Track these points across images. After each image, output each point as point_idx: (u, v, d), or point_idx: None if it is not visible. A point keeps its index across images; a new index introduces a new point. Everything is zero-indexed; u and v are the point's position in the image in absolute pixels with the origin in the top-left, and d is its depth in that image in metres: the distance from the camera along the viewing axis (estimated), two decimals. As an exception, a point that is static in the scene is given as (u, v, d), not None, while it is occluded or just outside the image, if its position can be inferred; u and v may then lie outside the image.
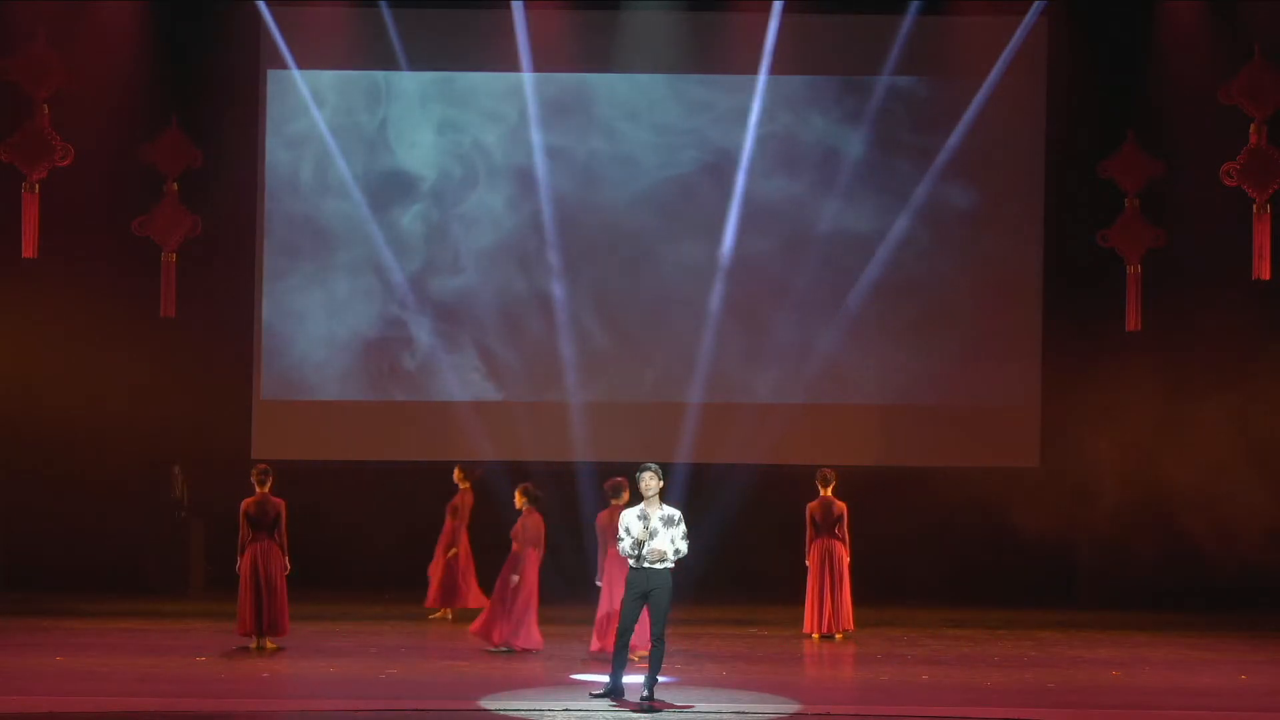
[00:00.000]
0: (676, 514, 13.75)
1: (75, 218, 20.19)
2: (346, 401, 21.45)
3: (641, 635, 14.82)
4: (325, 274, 21.48)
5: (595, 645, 16.16)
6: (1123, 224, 20.41)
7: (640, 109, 21.44)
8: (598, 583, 16.45)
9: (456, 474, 19.17)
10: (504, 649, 16.49)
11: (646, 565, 13.68)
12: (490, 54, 21.24)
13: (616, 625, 15.16)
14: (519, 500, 16.66)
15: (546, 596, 20.07)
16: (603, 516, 16.48)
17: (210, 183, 20.83)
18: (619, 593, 15.38)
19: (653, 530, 13.66)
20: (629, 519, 13.72)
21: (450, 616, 18.98)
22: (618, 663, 13.80)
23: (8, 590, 20.18)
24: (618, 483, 16.34)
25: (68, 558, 20.80)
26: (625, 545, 13.73)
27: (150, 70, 20.69)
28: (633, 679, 14.14)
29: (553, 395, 21.39)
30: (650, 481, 13.72)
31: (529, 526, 16.56)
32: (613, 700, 13.66)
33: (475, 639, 16.70)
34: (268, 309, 21.50)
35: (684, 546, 13.74)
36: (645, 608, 13.87)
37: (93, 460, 21.06)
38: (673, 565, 13.80)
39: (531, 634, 16.57)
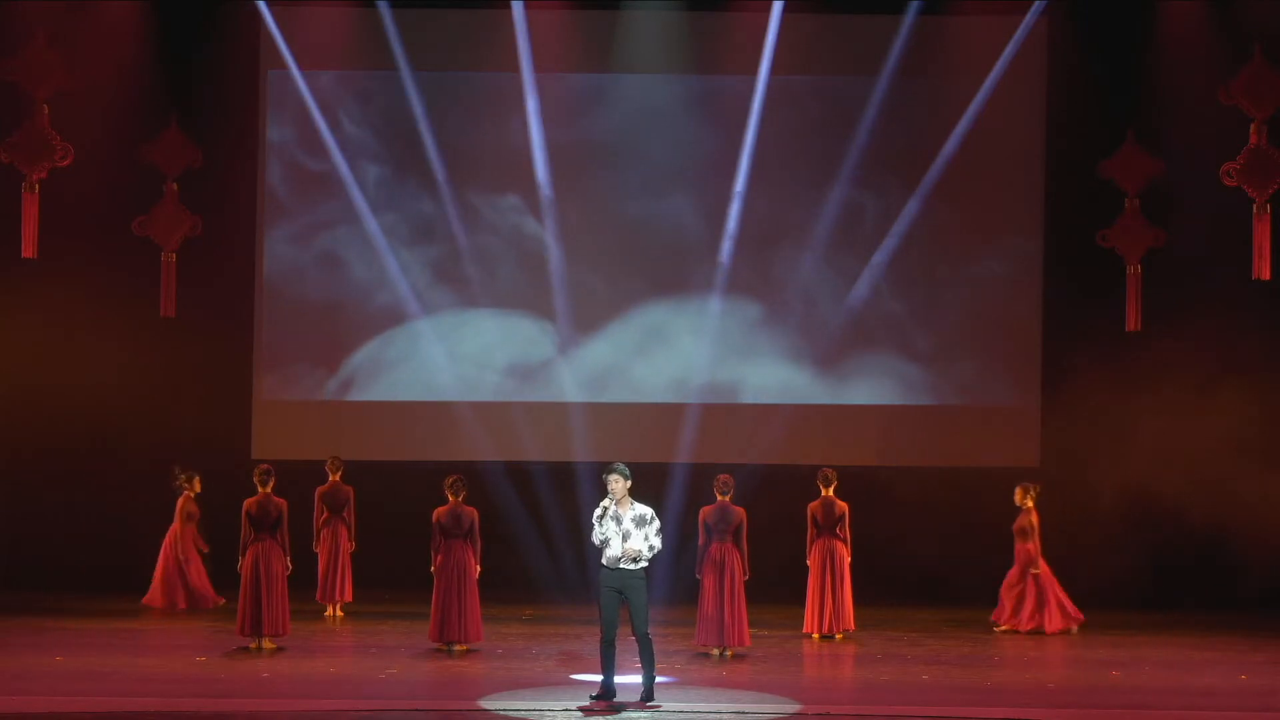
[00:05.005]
0: (649, 513, 13.86)
1: (75, 218, 20.19)
2: (346, 401, 21.45)
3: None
4: (326, 274, 21.47)
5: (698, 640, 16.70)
6: (1123, 224, 20.41)
7: (640, 109, 21.41)
8: (697, 575, 16.78)
9: (329, 464, 19.35)
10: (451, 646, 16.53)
11: (620, 566, 13.73)
12: (490, 54, 21.24)
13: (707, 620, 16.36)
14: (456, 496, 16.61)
15: (548, 598, 20.19)
16: (707, 511, 16.82)
17: (210, 183, 20.83)
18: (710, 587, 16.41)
19: (625, 531, 13.74)
20: (605, 522, 13.78)
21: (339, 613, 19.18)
22: (606, 664, 13.79)
23: (8, 590, 20.17)
24: (725, 480, 16.75)
25: (68, 557, 20.81)
26: (596, 542, 13.87)
27: (150, 70, 20.68)
28: (625, 679, 14.13)
29: (553, 395, 21.40)
30: (616, 483, 13.80)
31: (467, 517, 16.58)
32: (607, 701, 13.65)
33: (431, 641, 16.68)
34: (268, 309, 21.51)
35: (658, 543, 13.87)
36: (624, 606, 13.87)
37: (92, 460, 21.06)
38: (647, 563, 13.84)
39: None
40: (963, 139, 21.05)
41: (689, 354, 21.37)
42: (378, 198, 21.40)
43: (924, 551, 20.69)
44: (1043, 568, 18.66)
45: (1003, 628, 18.67)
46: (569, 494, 20.65)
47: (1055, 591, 18.71)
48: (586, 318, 21.42)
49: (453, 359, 21.41)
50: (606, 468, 13.96)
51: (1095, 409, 20.41)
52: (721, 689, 14.63)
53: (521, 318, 21.51)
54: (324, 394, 21.45)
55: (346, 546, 19.24)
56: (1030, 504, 18.70)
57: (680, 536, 18.52)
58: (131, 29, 20.57)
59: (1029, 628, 18.58)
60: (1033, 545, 18.66)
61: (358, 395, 21.45)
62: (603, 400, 21.37)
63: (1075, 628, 18.61)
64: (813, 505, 17.87)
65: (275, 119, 21.49)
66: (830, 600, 17.76)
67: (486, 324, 21.47)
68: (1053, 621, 18.59)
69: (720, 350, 21.34)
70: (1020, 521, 18.69)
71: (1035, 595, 18.66)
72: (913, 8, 20.93)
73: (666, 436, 21.03)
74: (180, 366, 21.03)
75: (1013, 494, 18.88)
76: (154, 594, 19.67)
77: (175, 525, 19.78)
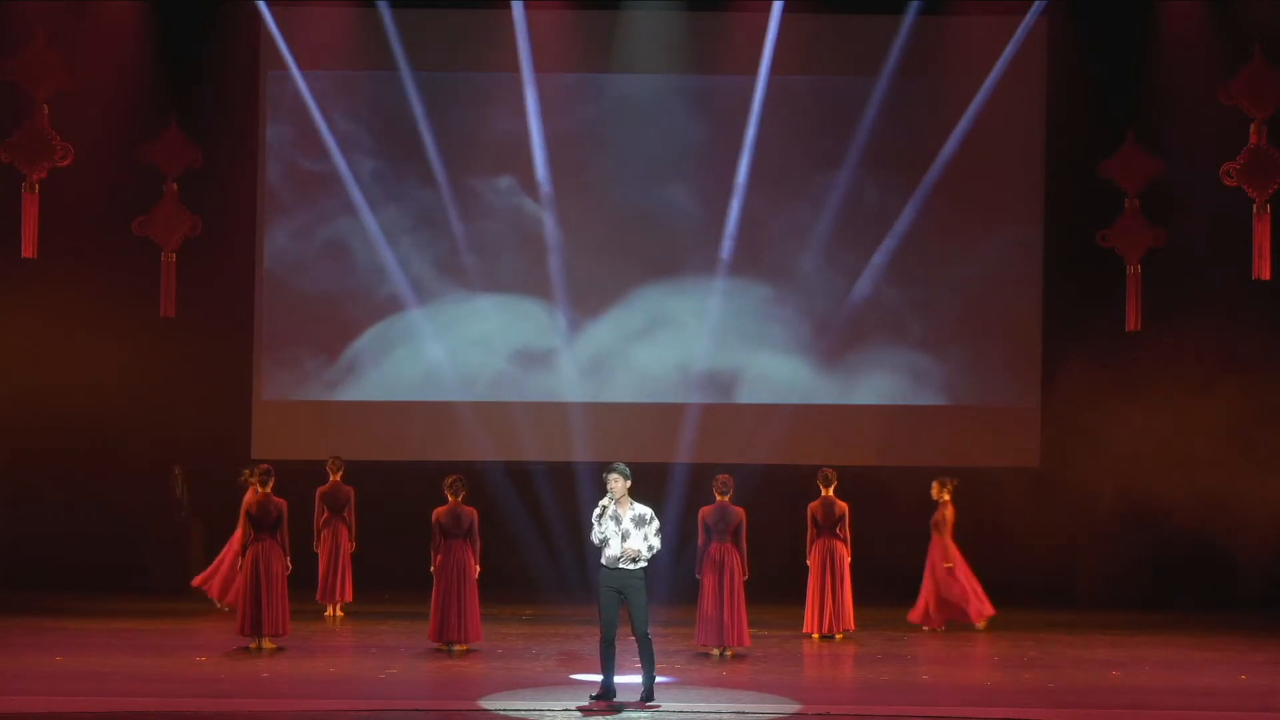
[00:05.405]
0: (648, 513, 13.88)
1: (75, 218, 20.19)
2: (347, 401, 21.45)
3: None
4: (325, 272, 21.48)
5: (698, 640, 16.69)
6: (1123, 224, 20.40)
7: (640, 110, 21.41)
8: (697, 575, 16.74)
9: (330, 464, 19.30)
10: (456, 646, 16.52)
11: (620, 566, 13.73)
12: (490, 54, 21.24)
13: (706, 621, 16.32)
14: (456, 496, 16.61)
15: (548, 598, 20.19)
16: (706, 511, 16.78)
17: (210, 183, 20.83)
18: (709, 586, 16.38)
19: (625, 531, 13.75)
20: (604, 521, 13.79)
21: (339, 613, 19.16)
22: (606, 664, 13.78)
23: (8, 590, 20.18)
24: (724, 480, 16.70)
25: (68, 557, 20.81)
26: (595, 541, 13.88)
27: (150, 70, 20.70)
28: (625, 679, 14.13)
29: (553, 395, 21.40)
30: (616, 483, 13.82)
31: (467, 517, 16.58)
32: (607, 701, 13.65)
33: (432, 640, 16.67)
34: (268, 309, 21.51)
35: (657, 543, 13.89)
36: (623, 606, 13.86)
37: (93, 460, 21.08)
38: (646, 563, 13.84)
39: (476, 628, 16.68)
40: (963, 139, 21.07)
41: (690, 341, 21.37)
42: (377, 196, 21.40)
43: (924, 551, 20.65)
44: (957, 562, 18.63)
45: (982, 626, 18.61)
46: (569, 494, 20.66)
47: (970, 585, 18.65)
48: (588, 316, 21.41)
49: (454, 346, 21.39)
50: (606, 467, 13.97)
51: (1095, 409, 20.40)
52: (721, 689, 14.62)
53: (522, 301, 21.48)
54: (324, 391, 21.44)
55: (347, 546, 19.23)
56: (947, 498, 18.69)
57: (680, 536, 18.53)
58: (131, 29, 20.58)
59: (949, 619, 18.57)
60: (947, 540, 18.62)
61: (358, 389, 21.45)
62: (603, 399, 21.37)
63: (983, 624, 18.57)
64: (813, 505, 17.87)
65: (275, 119, 21.49)
66: (830, 600, 17.75)
67: (487, 310, 21.45)
68: (957, 613, 18.61)
69: (721, 341, 21.33)
70: (935, 516, 18.69)
71: (938, 589, 18.60)
72: (913, 8, 20.94)
73: (666, 436, 21.03)
74: (180, 366, 21.04)
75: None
76: (214, 582, 19.46)
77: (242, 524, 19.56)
